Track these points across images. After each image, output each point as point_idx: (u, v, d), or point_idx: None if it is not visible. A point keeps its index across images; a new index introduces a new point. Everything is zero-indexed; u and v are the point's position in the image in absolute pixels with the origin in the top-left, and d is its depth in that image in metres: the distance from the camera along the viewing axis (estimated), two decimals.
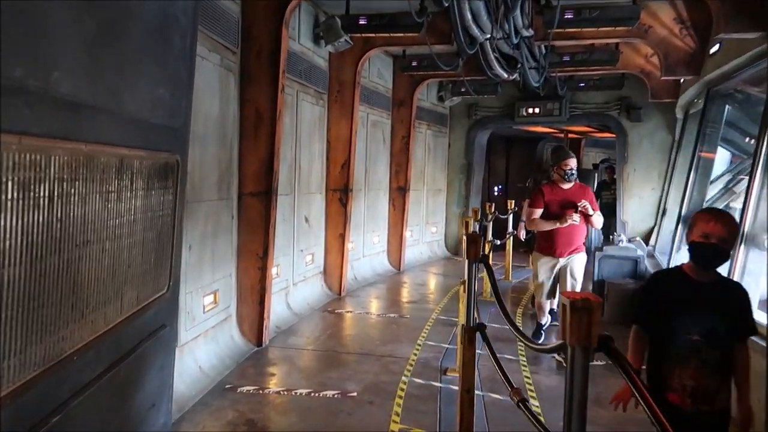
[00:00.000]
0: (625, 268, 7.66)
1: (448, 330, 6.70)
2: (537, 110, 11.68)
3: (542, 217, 5.97)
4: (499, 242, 9.71)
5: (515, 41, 7.56)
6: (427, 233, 12.40)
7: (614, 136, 14.42)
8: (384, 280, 9.88)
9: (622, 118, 11.12)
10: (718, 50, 6.60)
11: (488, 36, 7.43)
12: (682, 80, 8.73)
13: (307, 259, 7.75)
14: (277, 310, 6.67)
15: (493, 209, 9.78)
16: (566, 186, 5.96)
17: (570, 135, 14.83)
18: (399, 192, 10.60)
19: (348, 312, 7.62)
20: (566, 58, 8.22)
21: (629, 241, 8.39)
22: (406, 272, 10.69)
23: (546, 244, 6.05)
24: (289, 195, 7.10)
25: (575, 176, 5.99)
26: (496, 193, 16.81)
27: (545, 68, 8.87)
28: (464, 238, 4.26)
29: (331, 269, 8.36)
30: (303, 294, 7.53)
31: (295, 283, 7.36)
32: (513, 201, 10.92)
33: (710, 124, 8.14)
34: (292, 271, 7.29)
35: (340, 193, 8.32)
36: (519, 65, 9.27)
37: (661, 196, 10.82)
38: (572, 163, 5.95)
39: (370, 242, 10.04)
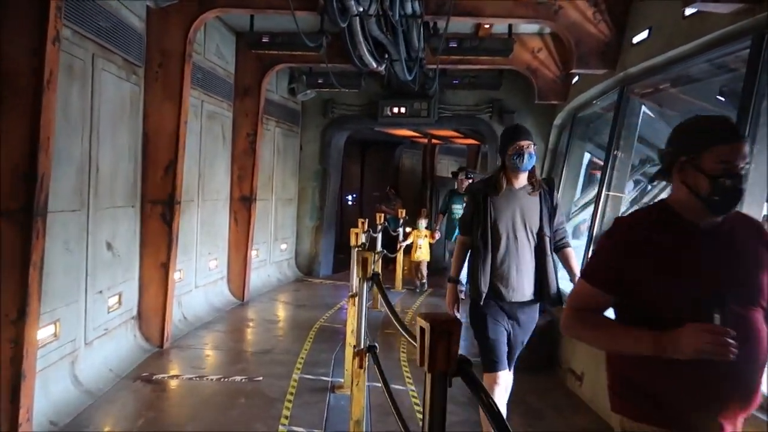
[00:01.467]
0: None
1: (318, 399, 4.81)
2: (403, 110, 10.26)
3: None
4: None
5: (397, 18, 5.96)
6: (276, 251, 10.35)
7: (478, 143, 13.71)
8: (224, 317, 7.67)
9: (494, 122, 10.11)
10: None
11: (362, 9, 5.76)
12: (574, 80, 7.78)
13: (110, 303, 5.35)
14: (53, 390, 4.27)
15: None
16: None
17: (434, 140, 13.73)
18: (243, 203, 8.46)
19: (172, 377, 5.36)
20: (453, 44, 6.77)
21: None
22: (252, 303, 8.56)
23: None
24: (77, 212, 4.70)
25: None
26: (349, 203, 15.25)
27: (420, 59, 7.40)
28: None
29: (148, 312, 6.00)
30: (102, 355, 5.12)
31: (88, 342, 4.94)
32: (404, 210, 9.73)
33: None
34: (84, 326, 4.87)
35: (162, 207, 5.99)
36: (387, 57, 7.73)
37: None
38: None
39: (204, 268, 7.78)
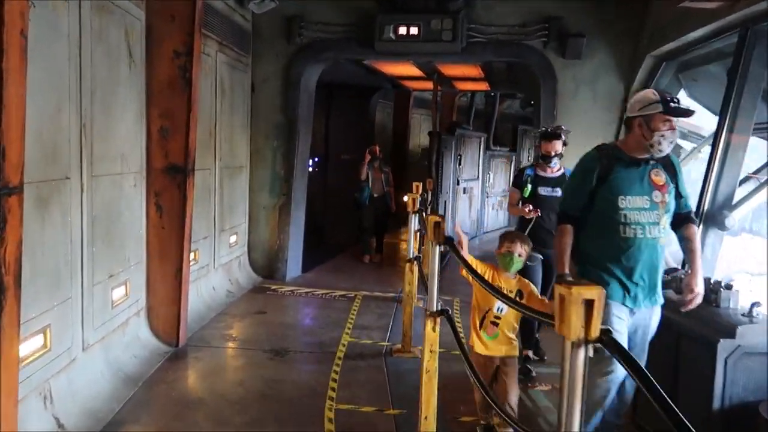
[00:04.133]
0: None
1: None
2: (415, 30, 6.75)
3: None
4: None
5: None
6: (223, 248, 6.72)
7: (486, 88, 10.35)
8: (135, 401, 4.07)
9: (550, 52, 6.82)
10: None
11: None
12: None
13: None
14: None
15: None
16: None
17: (445, 84, 9.99)
18: (171, 176, 4.78)
19: None
20: None
21: None
22: (191, 352, 4.98)
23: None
24: None
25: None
26: (309, 169, 11.59)
27: None
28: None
29: None
30: None
31: None
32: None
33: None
34: None
35: None
36: None
37: None
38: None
39: (102, 305, 4.12)
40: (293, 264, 7.73)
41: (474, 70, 7.90)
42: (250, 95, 7.44)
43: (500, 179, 14.02)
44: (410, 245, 5.68)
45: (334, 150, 10.87)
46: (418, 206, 5.70)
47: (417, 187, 5.88)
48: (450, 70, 7.89)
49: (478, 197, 12.65)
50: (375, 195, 8.86)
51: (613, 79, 6.74)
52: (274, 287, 7.18)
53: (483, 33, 6.88)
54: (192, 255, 5.59)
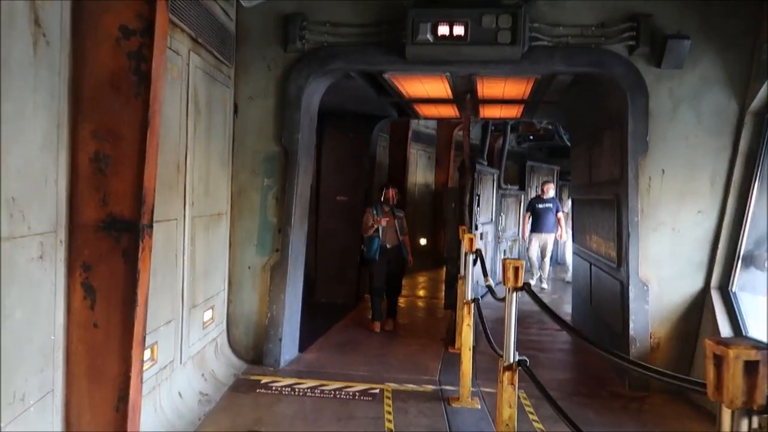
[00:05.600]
0: None
1: None
2: (460, 30, 4.99)
3: None
4: None
5: None
6: (194, 331, 4.68)
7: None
8: None
9: (638, 60, 5.13)
10: None
11: None
12: None
13: None
14: None
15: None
16: None
17: (482, 113, 7.98)
18: (112, 236, 2.81)
19: None
20: None
21: None
22: None
23: None
24: None
25: None
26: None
27: None
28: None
29: None
30: None
31: None
32: None
33: None
34: None
35: None
36: None
37: (720, 226, 5.15)
38: None
39: None
40: (289, 343, 5.71)
41: (521, 88, 6.17)
42: (233, 118, 5.55)
43: (512, 221, 12.30)
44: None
45: (327, 190, 8.96)
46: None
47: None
48: (491, 87, 6.16)
49: (492, 243, 10.85)
50: (388, 246, 6.97)
51: (722, 96, 5.07)
52: (265, 380, 5.14)
53: (548, 35, 5.17)
54: (147, 353, 3.58)
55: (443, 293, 9.47)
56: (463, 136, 6.54)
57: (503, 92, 6.44)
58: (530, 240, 10.69)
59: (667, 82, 5.12)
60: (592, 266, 6.88)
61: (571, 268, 10.34)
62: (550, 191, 10.67)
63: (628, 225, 5.20)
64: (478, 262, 5.02)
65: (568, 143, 13.81)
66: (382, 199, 7.08)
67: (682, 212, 5.19)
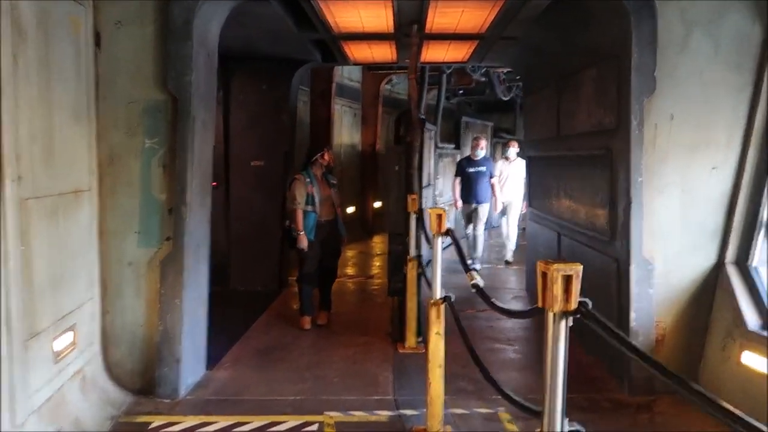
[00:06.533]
0: None
1: None
2: None
3: None
4: None
5: None
6: (35, 373, 3.10)
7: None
8: None
9: None
10: None
11: None
12: None
13: None
14: None
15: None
16: None
17: (424, 56, 6.39)
18: None
19: None
20: None
21: None
22: None
23: None
24: None
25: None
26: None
27: None
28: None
29: None
30: None
31: None
32: None
33: None
34: None
35: None
36: None
37: (738, 185, 4.12)
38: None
39: None
40: (192, 362, 4.24)
41: (481, 17, 4.80)
42: (94, 52, 3.87)
43: (448, 185, 11.05)
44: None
45: (239, 153, 7.34)
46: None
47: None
48: (445, 15, 4.74)
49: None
50: (322, 220, 5.57)
51: (743, 19, 3.97)
52: (157, 422, 3.66)
53: None
54: None
55: (380, 272, 8.24)
56: (410, 80, 5.14)
57: (458, 23, 5.07)
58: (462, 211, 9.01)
59: (677, 2, 3.95)
60: (562, 237, 5.79)
61: (513, 243, 9.25)
62: (483, 149, 8.80)
63: (629, 188, 4.07)
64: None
65: (502, 96, 12.80)
66: (314, 162, 5.63)
67: (693, 169, 4.12)
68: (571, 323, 1.73)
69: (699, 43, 3.98)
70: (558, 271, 1.68)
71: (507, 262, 9.16)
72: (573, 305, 1.71)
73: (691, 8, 3.95)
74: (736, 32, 3.99)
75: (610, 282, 4.43)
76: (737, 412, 1.20)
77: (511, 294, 7.52)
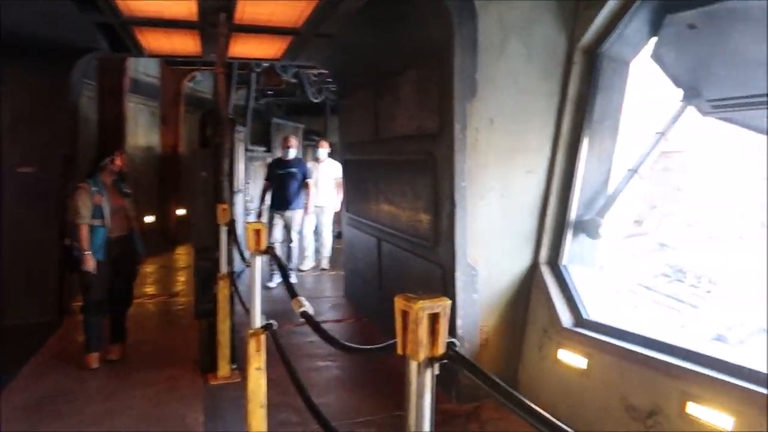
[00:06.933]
0: None
1: None
2: None
3: None
4: None
5: None
6: None
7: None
8: None
9: None
10: None
11: None
12: None
13: None
14: None
15: None
16: None
17: (233, 51, 5.48)
18: None
19: None
20: None
21: None
22: None
23: None
24: None
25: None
26: None
27: None
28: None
29: None
30: None
31: None
32: None
33: None
34: None
35: None
36: None
37: (549, 189, 4.27)
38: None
39: None
40: None
41: (297, 9, 4.34)
42: None
43: (258, 190, 10.38)
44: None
45: (5, 158, 5.97)
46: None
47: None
48: (257, 5, 4.18)
49: (240, 216, 8.98)
50: (114, 236, 4.68)
51: (552, 28, 4.11)
52: None
53: None
54: None
55: (186, 289, 7.37)
56: (217, 74, 4.50)
57: (271, 14, 4.57)
58: (272, 219, 7.93)
59: (495, 7, 3.93)
60: (383, 242, 5.63)
61: (328, 249, 8.94)
62: (294, 148, 7.90)
63: (453, 192, 3.97)
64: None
65: (313, 98, 12.51)
66: (103, 168, 4.70)
67: (511, 173, 4.16)
68: (437, 371, 1.40)
69: (515, 49, 4.02)
70: (424, 310, 1.32)
71: (323, 269, 8.86)
72: (440, 349, 1.37)
73: (507, 13, 3.97)
74: (545, 40, 4.10)
75: (435, 289, 4.30)
76: (546, 414, 1.10)
77: (330, 302, 7.23)
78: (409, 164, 4.70)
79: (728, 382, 2.87)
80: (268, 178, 8.06)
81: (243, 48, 5.95)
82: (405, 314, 1.37)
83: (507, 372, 4.27)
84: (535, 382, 4.11)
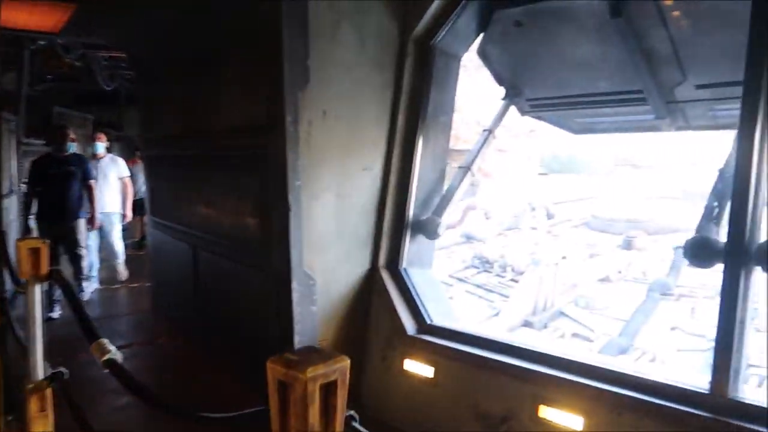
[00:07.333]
0: None
1: None
2: None
3: None
4: None
5: None
6: None
7: None
8: None
9: None
10: None
11: None
12: None
13: None
14: None
15: None
16: None
17: None
18: None
19: None
20: None
21: None
22: None
23: None
24: None
25: None
26: None
27: None
28: None
29: None
30: None
31: None
32: None
33: None
34: None
35: None
36: None
37: (386, 187, 4.01)
38: None
39: None
40: None
41: None
42: None
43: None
44: None
45: None
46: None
47: None
48: None
49: (12, 225, 7.42)
50: None
51: (384, 16, 3.83)
52: None
53: None
54: None
55: None
56: None
57: None
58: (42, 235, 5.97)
59: None
60: (199, 250, 4.93)
61: (122, 260, 7.73)
62: (72, 141, 6.33)
63: (287, 193, 3.49)
64: None
65: (104, 85, 10.90)
66: None
67: (346, 171, 3.80)
68: None
69: (347, 37, 3.66)
70: (316, 380, 0.90)
71: (121, 282, 7.70)
72: (338, 427, 0.95)
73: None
74: (378, 28, 3.81)
75: (267, 302, 3.80)
76: None
77: (134, 320, 6.29)
78: (233, 161, 4.11)
79: (578, 383, 2.84)
80: (33, 181, 6.22)
81: (10, 16, 4.77)
82: (285, 387, 0.90)
83: (352, 387, 3.92)
84: (381, 396, 3.82)
